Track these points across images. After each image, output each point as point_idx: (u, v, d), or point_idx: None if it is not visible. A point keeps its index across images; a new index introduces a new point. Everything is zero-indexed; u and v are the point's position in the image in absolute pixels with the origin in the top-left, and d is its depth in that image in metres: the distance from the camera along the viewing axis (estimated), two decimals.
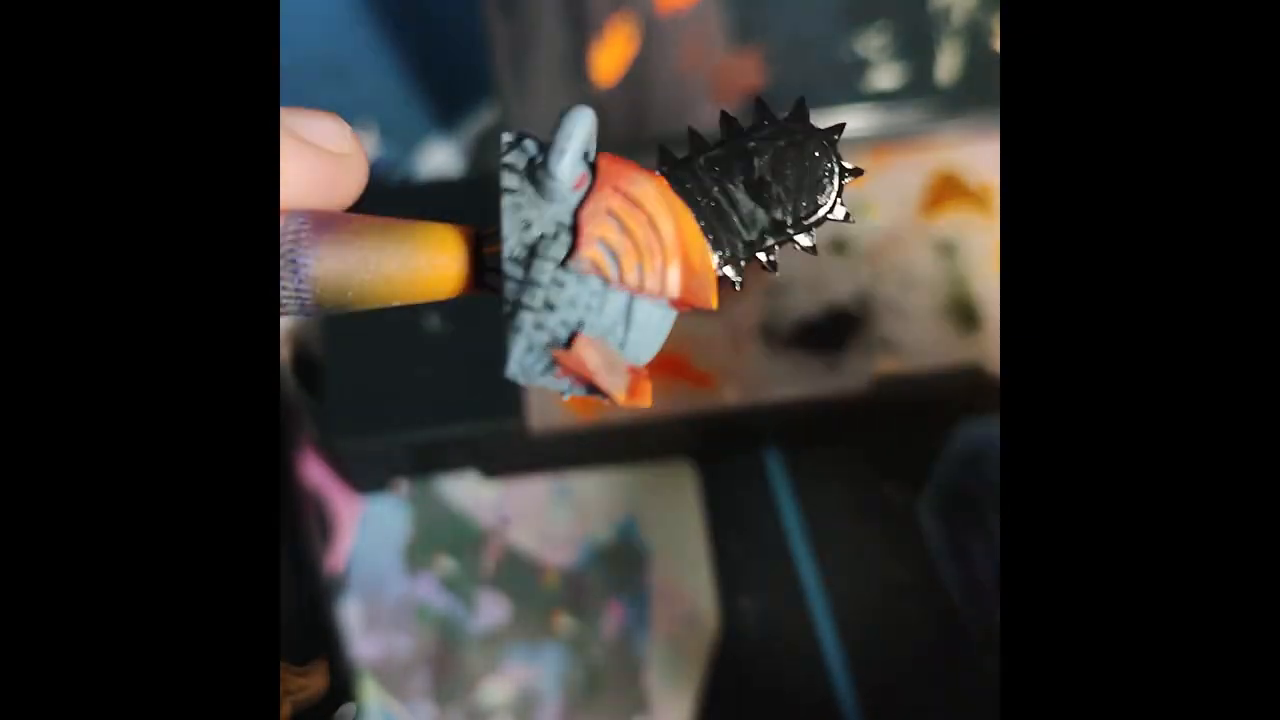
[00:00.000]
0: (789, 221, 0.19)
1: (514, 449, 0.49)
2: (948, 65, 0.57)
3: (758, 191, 0.20)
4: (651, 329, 0.19)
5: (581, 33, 0.55)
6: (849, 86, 0.57)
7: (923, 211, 0.56)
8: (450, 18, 0.66)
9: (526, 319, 0.18)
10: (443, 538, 0.50)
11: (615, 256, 0.18)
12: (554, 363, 0.18)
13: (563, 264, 0.18)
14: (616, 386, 0.18)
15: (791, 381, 0.50)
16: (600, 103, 0.56)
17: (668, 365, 0.51)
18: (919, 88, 0.57)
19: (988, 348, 0.51)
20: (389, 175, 0.61)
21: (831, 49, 0.56)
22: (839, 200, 0.20)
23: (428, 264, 0.19)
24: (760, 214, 0.20)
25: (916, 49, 0.57)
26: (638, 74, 0.56)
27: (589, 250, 0.18)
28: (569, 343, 0.18)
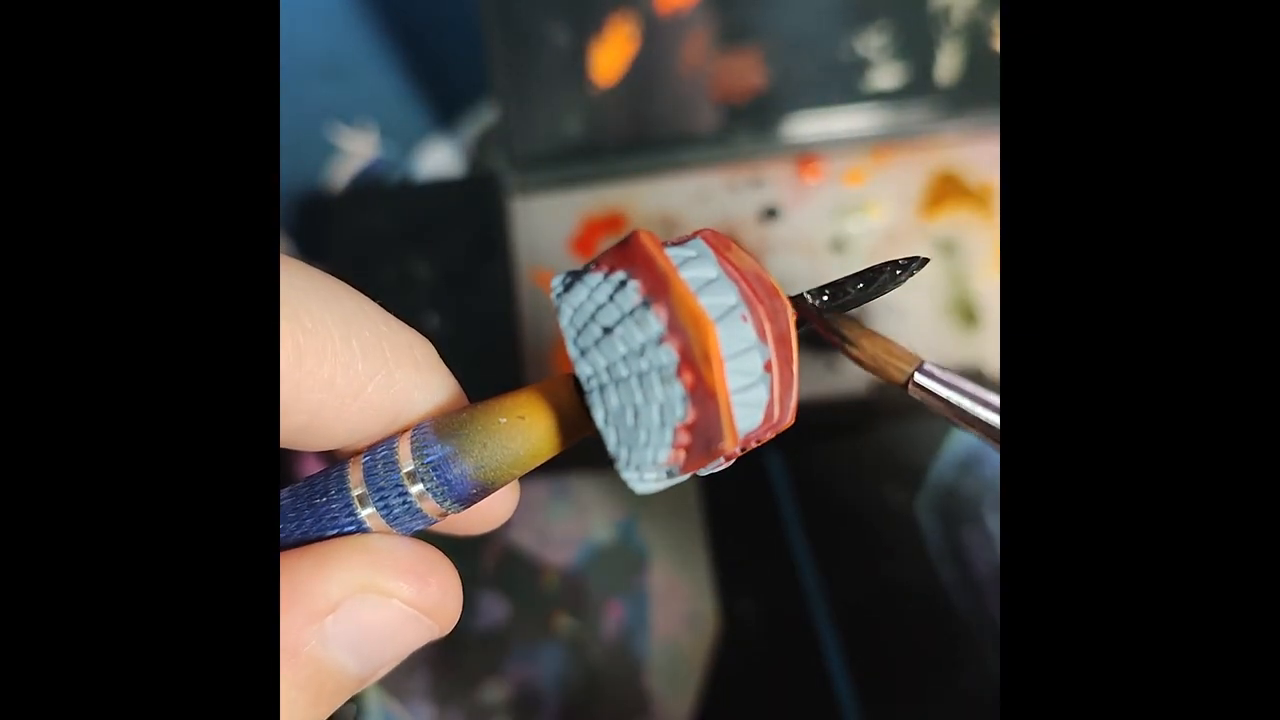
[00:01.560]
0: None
1: None
2: (948, 65, 0.57)
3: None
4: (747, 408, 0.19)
5: (581, 33, 0.55)
6: (849, 86, 0.57)
7: (923, 211, 0.56)
8: (450, 18, 0.66)
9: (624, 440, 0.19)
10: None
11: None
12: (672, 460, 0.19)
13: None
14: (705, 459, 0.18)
15: None
16: (600, 103, 0.56)
17: None
18: (919, 87, 0.57)
19: (988, 348, 0.51)
20: (389, 175, 0.61)
21: (831, 49, 0.56)
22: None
23: (547, 431, 0.20)
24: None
25: (916, 49, 0.57)
26: (638, 74, 0.56)
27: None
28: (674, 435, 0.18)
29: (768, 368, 0.18)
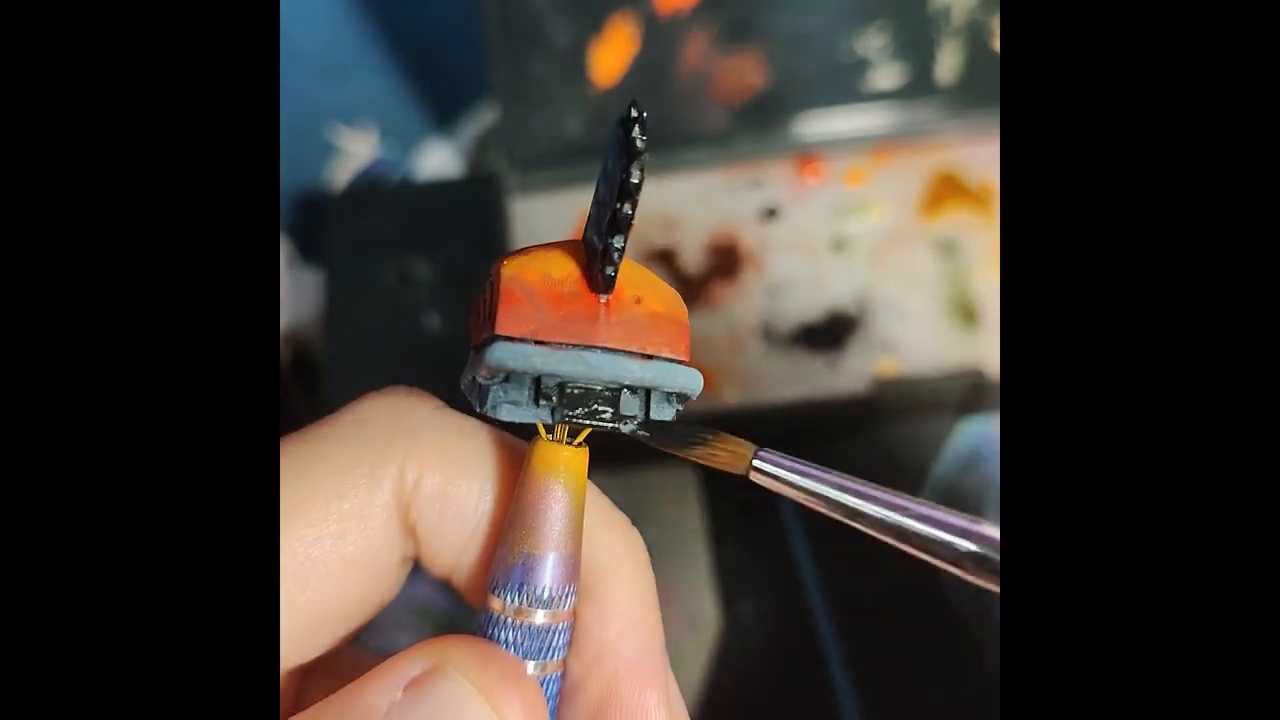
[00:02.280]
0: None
1: None
2: (948, 65, 0.57)
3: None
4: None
5: (581, 33, 0.55)
6: (849, 87, 0.57)
7: (923, 211, 0.56)
8: (450, 18, 0.66)
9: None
10: None
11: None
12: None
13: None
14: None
15: (791, 381, 0.50)
16: (600, 103, 0.56)
17: None
18: (919, 88, 0.57)
19: (987, 348, 0.51)
20: (389, 175, 0.61)
21: (832, 49, 0.56)
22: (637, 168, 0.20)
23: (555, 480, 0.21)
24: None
25: (917, 49, 0.57)
26: (638, 74, 0.56)
27: None
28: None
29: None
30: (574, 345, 0.19)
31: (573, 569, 0.20)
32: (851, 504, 0.19)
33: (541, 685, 0.20)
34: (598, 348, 0.19)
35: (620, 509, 0.24)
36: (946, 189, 0.56)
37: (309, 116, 0.62)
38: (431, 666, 0.18)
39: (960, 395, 0.50)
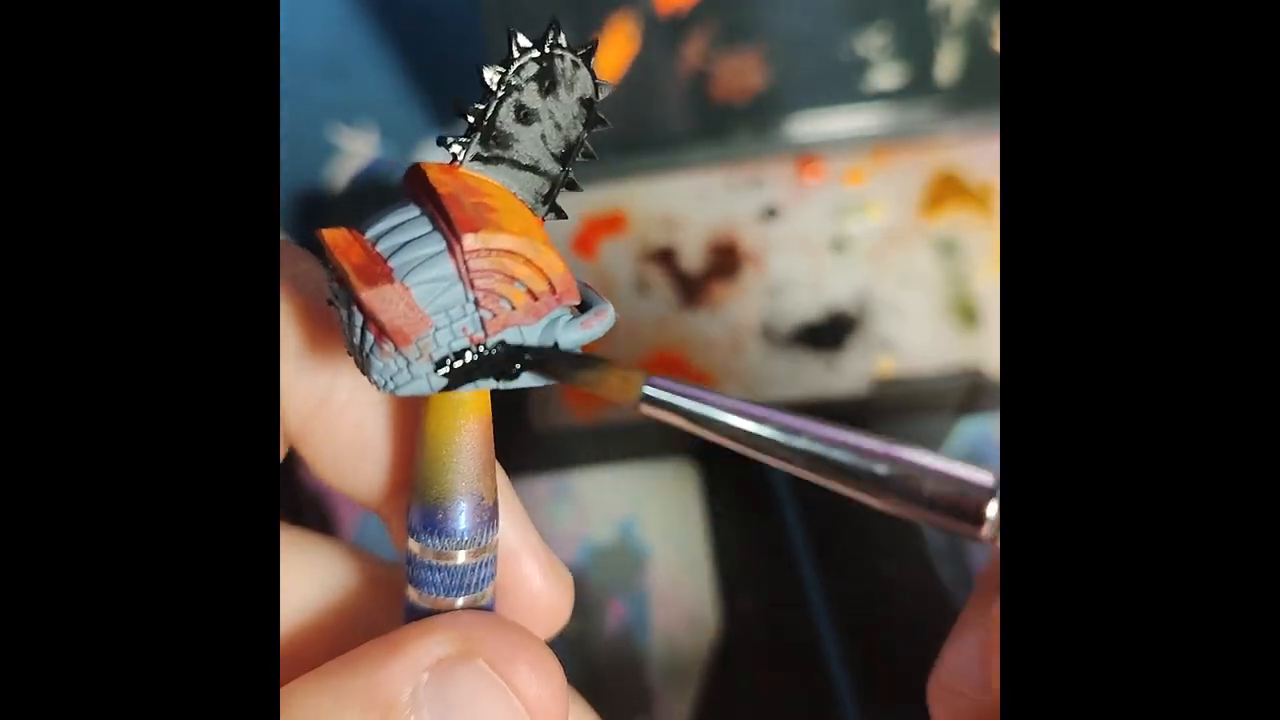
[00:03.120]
0: (571, 137, 0.20)
1: (514, 449, 0.49)
2: (947, 65, 0.57)
3: (528, 123, 0.20)
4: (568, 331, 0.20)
5: (581, 33, 0.55)
6: (849, 86, 0.57)
7: (922, 211, 0.56)
8: (450, 17, 0.66)
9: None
10: None
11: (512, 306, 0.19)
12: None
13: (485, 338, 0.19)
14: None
15: (791, 382, 0.50)
16: (600, 102, 0.56)
17: (668, 366, 0.51)
18: (919, 87, 0.57)
19: (987, 348, 0.51)
20: (388, 175, 0.61)
21: (831, 49, 0.56)
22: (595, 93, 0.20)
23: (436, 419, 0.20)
24: (545, 146, 0.20)
25: (916, 49, 0.57)
26: (638, 74, 0.56)
27: (495, 324, 0.19)
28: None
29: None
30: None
31: (490, 508, 0.20)
32: (746, 428, 0.18)
33: None
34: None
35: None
36: (946, 189, 0.56)
37: (309, 116, 0.62)
38: (458, 651, 0.18)
39: (960, 395, 0.50)
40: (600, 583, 0.48)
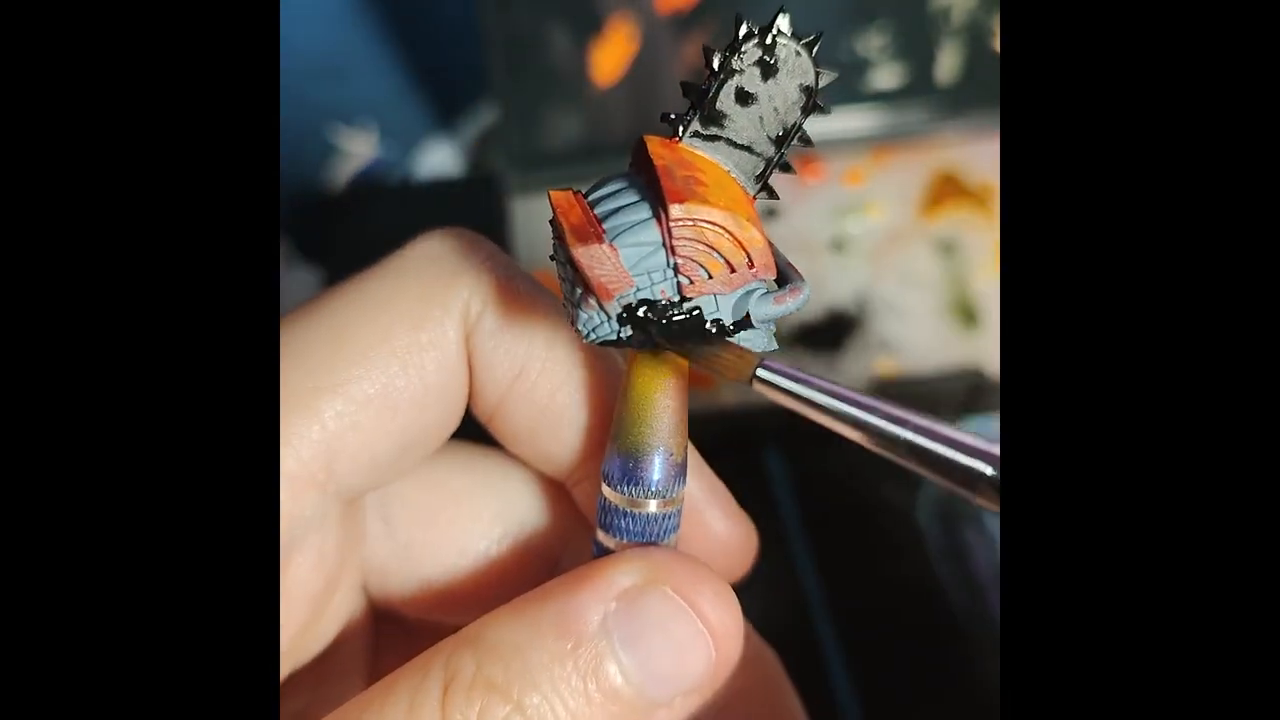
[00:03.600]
0: (788, 123, 0.21)
1: None
2: (947, 65, 0.57)
3: (746, 105, 0.21)
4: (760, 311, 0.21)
5: (581, 33, 0.55)
6: (849, 86, 0.57)
7: (923, 211, 0.56)
8: (450, 18, 0.66)
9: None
10: None
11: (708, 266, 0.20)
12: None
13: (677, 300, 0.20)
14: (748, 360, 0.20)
15: None
16: (600, 103, 0.56)
17: None
18: (919, 88, 0.57)
19: (987, 347, 0.51)
20: (389, 175, 0.61)
21: (832, 49, 0.56)
22: (816, 100, 0.21)
23: (641, 379, 0.21)
24: (761, 128, 0.21)
25: (916, 49, 0.57)
26: (637, 74, 0.56)
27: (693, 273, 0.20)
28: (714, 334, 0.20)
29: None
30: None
31: (680, 463, 0.21)
32: (851, 413, 0.19)
33: None
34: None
35: None
36: (946, 189, 0.56)
37: (309, 116, 0.62)
38: (645, 580, 0.19)
39: (960, 394, 0.50)
40: None
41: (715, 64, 0.20)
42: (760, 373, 0.20)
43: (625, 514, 0.21)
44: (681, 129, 0.21)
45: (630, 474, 0.21)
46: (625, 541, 0.21)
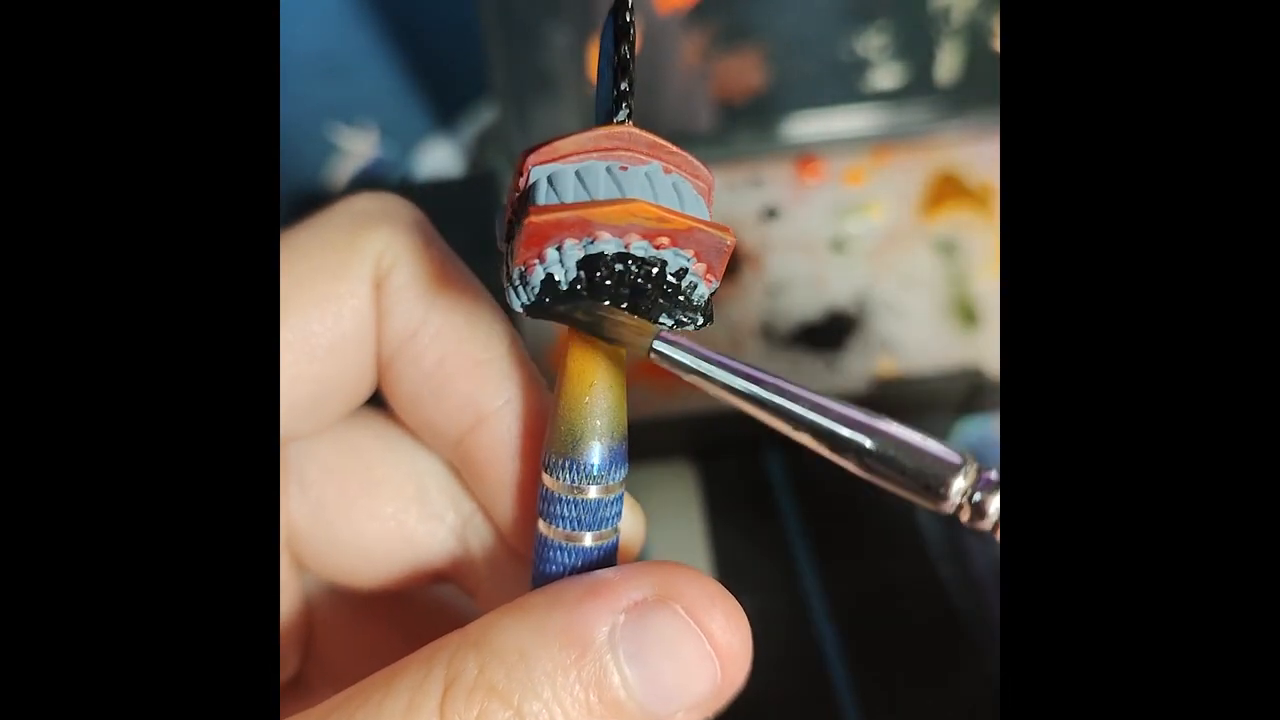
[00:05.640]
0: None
1: None
2: (947, 65, 0.57)
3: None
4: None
5: (581, 32, 0.55)
6: (849, 86, 0.57)
7: (922, 211, 0.56)
8: (450, 18, 0.66)
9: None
10: None
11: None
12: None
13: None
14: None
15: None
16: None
17: None
18: (919, 87, 0.57)
19: (986, 347, 0.51)
20: (389, 175, 0.61)
21: (831, 49, 0.56)
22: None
23: (608, 375, 0.21)
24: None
25: (916, 49, 0.57)
26: (637, 74, 0.56)
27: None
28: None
29: None
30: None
31: (620, 447, 0.21)
32: (748, 389, 0.20)
33: (598, 551, 0.21)
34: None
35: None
36: (946, 189, 0.56)
37: (309, 116, 0.62)
38: (656, 595, 0.19)
39: (960, 395, 0.50)
40: None
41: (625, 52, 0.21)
42: (658, 345, 0.20)
43: (565, 501, 0.21)
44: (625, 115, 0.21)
45: (569, 459, 0.21)
46: (567, 530, 0.21)
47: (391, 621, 0.27)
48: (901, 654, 0.46)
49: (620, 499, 0.22)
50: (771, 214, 0.56)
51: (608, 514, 0.21)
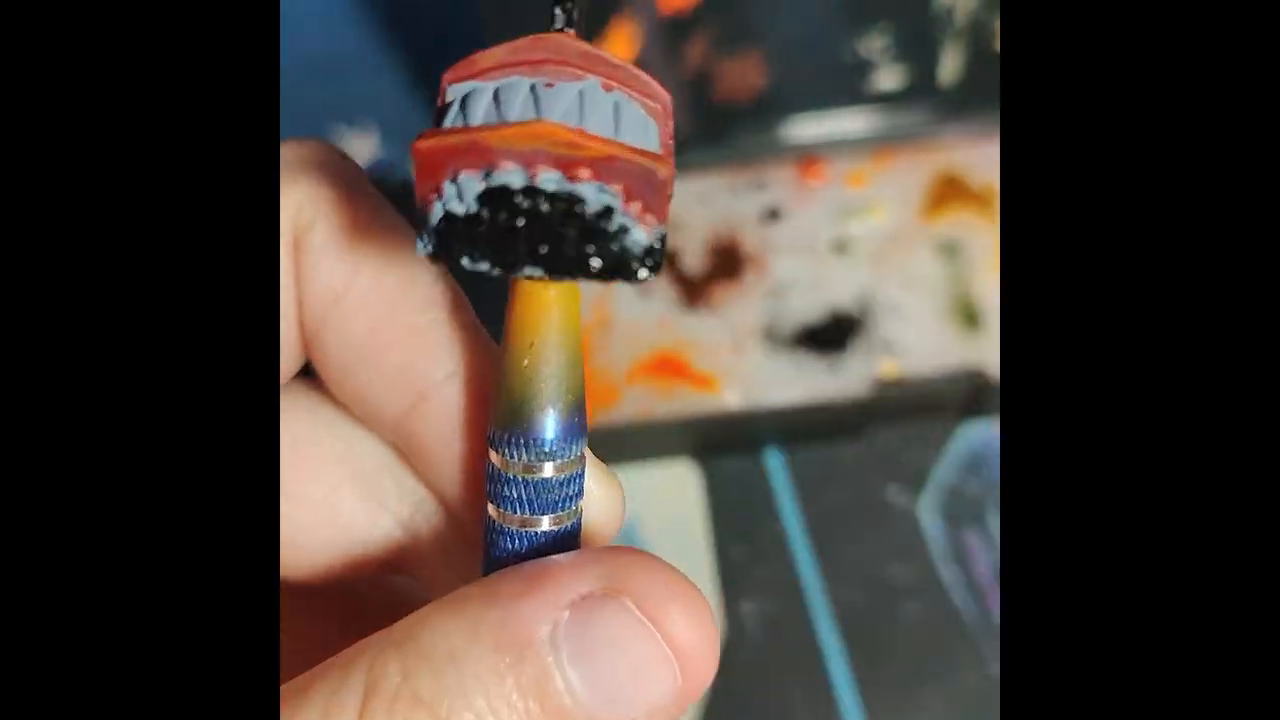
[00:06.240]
0: None
1: None
2: (950, 67, 0.57)
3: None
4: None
5: (582, 33, 0.55)
6: (851, 88, 0.57)
7: (924, 213, 0.56)
8: (451, 19, 0.67)
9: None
10: None
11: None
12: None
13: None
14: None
15: (793, 383, 0.50)
16: None
17: (669, 367, 0.51)
18: (921, 89, 0.57)
19: (989, 349, 0.51)
20: (389, 175, 0.61)
21: (833, 50, 0.56)
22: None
23: (560, 329, 0.18)
24: None
25: (918, 50, 0.57)
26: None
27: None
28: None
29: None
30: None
31: (577, 415, 0.18)
32: None
33: (556, 536, 0.19)
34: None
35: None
36: (948, 191, 0.56)
37: (310, 116, 0.62)
38: (602, 589, 0.16)
39: (962, 397, 0.50)
40: None
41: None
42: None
43: (515, 481, 0.18)
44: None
45: (514, 433, 0.18)
46: (521, 514, 0.18)
47: (343, 619, 0.24)
48: (902, 655, 0.46)
49: (580, 475, 0.19)
50: (773, 215, 0.56)
51: (566, 493, 0.18)
